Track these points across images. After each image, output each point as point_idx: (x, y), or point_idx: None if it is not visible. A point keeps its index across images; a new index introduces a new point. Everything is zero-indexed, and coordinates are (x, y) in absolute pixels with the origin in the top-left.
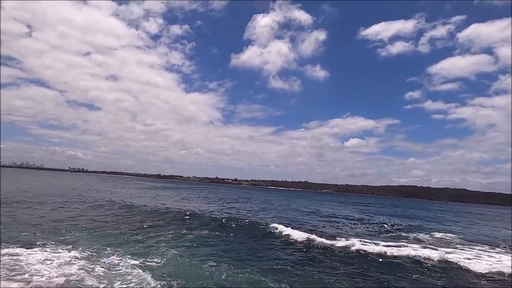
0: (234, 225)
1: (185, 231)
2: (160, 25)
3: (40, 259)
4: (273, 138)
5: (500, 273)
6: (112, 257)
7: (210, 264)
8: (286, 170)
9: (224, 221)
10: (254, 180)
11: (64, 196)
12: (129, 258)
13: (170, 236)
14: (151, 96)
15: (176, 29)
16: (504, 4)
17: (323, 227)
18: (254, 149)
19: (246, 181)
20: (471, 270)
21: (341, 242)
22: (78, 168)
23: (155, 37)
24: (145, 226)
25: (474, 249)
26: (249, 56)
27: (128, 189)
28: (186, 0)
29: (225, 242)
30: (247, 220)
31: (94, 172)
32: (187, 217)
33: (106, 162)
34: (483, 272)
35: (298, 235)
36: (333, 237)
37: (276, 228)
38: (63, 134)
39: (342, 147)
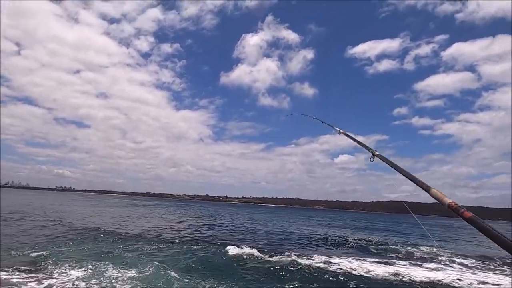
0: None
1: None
2: (151, 43)
3: None
4: (263, 154)
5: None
6: None
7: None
8: (277, 186)
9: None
10: (245, 197)
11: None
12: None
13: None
14: (141, 113)
15: (167, 48)
16: (485, 24)
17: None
18: (245, 166)
19: (237, 198)
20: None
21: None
22: (65, 187)
23: (145, 55)
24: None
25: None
26: (239, 74)
27: (97, 207)
28: (178, 17)
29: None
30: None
31: (82, 191)
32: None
33: (95, 180)
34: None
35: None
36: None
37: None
38: (50, 152)
39: (332, 163)
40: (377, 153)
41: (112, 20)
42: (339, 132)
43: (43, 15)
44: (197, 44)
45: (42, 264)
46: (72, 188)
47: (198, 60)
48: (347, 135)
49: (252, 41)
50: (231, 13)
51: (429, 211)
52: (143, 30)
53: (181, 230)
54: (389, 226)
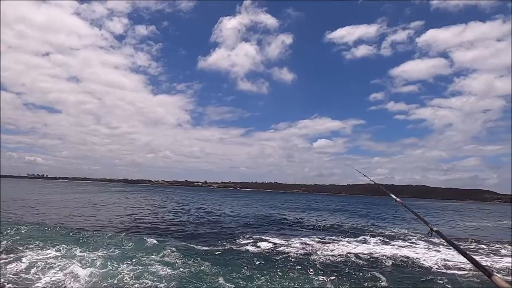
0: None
1: None
2: (125, 25)
3: None
4: (243, 139)
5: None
6: None
7: None
8: (256, 171)
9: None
10: (224, 183)
11: None
12: None
13: None
14: (116, 98)
15: (142, 30)
16: (459, 11)
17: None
18: (224, 151)
19: (216, 183)
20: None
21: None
22: (37, 175)
23: (119, 37)
24: None
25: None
26: (217, 58)
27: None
28: (153, 0)
29: None
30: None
31: (55, 178)
32: None
33: (69, 167)
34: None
35: None
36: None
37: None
38: (20, 138)
39: (310, 147)
40: (435, 229)
41: (82, 1)
42: (396, 201)
43: None
44: (174, 27)
45: None
46: (45, 176)
47: (175, 44)
48: (406, 207)
49: (230, 24)
50: None
51: (402, 193)
52: (116, 11)
53: (125, 217)
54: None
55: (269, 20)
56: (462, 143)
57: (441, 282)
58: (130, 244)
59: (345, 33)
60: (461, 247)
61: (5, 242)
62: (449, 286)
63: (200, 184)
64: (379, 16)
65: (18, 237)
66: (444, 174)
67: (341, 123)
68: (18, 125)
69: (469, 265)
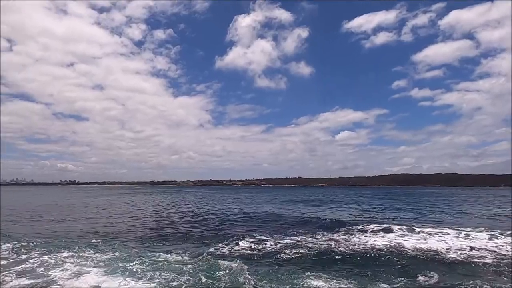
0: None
1: None
2: (143, 31)
3: None
4: (264, 136)
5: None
6: None
7: None
8: (279, 167)
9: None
10: (248, 180)
11: None
12: None
13: None
14: (138, 102)
15: (160, 34)
16: None
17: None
18: (246, 149)
19: (240, 181)
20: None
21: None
22: (69, 181)
23: (139, 43)
24: None
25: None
26: (233, 57)
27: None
28: (169, 3)
29: None
30: None
31: (86, 183)
32: None
33: (98, 172)
34: None
35: None
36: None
37: None
38: (51, 147)
39: (333, 140)
40: None
41: (101, 10)
42: None
43: (31, 8)
44: (190, 29)
45: None
46: (76, 182)
47: (192, 45)
48: None
49: (245, 22)
50: None
51: (431, 182)
52: (134, 17)
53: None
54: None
55: (283, 15)
56: (493, 126)
57: None
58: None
59: (363, 22)
60: None
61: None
62: None
63: (225, 182)
64: (398, 1)
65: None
66: (475, 160)
67: (364, 113)
68: (48, 134)
69: None
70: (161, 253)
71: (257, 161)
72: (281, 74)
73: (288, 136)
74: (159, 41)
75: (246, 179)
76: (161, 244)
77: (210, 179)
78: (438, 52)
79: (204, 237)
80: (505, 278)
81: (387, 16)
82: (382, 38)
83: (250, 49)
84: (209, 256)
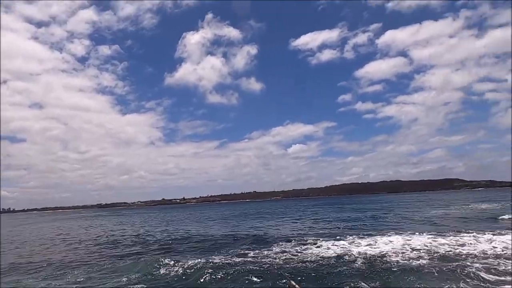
0: None
1: None
2: (87, 47)
3: None
4: (218, 152)
5: None
6: None
7: None
8: (234, 182)
9: None
10: (203, 197)
11: None
12: None
13: None
14: (83, 121)
15: (105, 50)
16: (412, 11)
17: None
18: (200, 165)
19: (194, 198)
20: None
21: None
22: (3, 209)
23: (82, 59)
24: None
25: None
26: (183, 74)
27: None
28: (115, 18)
29: None
30: None
31: (23, 210)
32: None
33: (37, 198)
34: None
35: None
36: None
37: None
38: None
39: (285, 154)
40: None
41: (40, 24)
42: None
43: None
44: (138, 45)
45: None
46: (11, 209)
47: (140, 61)
48: None
49: (194, 39)
50: (171, 11)
51: (377, 189)
52: (77, 33)
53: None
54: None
55: (232, 32)
56: (428, 135)
57: None
58: None
59: (309, 39)
60: None
61: None
62: None
63: (178, 201)
64: (339, 21)
65: None
66: (414, 167)
67: (313, 127)
68: None
69: None
70: None
71: (212, 177)
72: (232, 90)
73: (242, 151)
74: (105, 57)
75: (200, 197)
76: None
77: (163, 199)
78: (377, 68)
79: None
80: (445, 277)
81: (330, 35)
82: (326, 55)
83: (200, 65)
84: None
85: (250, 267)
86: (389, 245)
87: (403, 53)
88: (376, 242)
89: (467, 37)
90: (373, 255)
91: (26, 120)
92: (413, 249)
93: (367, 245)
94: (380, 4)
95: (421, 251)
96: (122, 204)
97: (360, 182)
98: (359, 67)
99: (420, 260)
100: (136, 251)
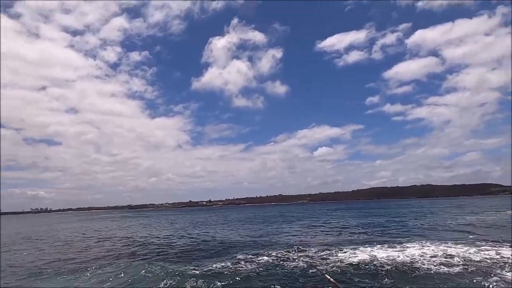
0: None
1: None
2: (118, 53)
3: None
4: (243, 155)
5: None
6: None
7: None
8: (260, 185)
9: None
10: (229, 200)
11: None
12: None
13: None
14: (114, 125)
15: (135, 56)
16: (444, 10)
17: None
18: (226, 168)
19: (221, 201)
20: None
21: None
22: (41, 209)
23: (114, 66)
24: None
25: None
26: (210, 78)
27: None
28: (144, 25)
29: None
30: None
31: (59, 210)
32: None
33: (72, 198)
34: None
35: None
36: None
37: None
38: (21, 174)
39: (311, 157)
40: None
41: (75, 32)
42: None
43: (1, 32)
44: (166, 50)
45: None
46: (48, 209)
47: (168, 67)
48: None
49: (220, 44)
50: (198, 17)
51: (407, 194)
52: (109, 40)
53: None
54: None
55: (257, 36)
56: (462, 138)
57: None
58: None
59: (336, 41)
60: None
61: None
62: None
63: (205, 203)
64: (367, 22)
65: None
66: (447, 171)
67: (340, 129)
68: (18, 161)
69: None
70: None
71: (238, 180)
72: (257, 94)
73: (268, 154)
74: (135, 63)
75: (226, 199)
76: None
77: (190, 201)
78: (407, 69)
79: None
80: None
81: (357, 36)
82: (354, 56)
83: (226, 69)
84: None
85: (278, 270)
86: (419, 252)
87: (435, 53)
88: (404, 249)
89: (504, 35)
90: (402, 262)
91: (62, 124)
92: (445, 258)
93: (395, 252)
94: (409, 4)
95: (454, 260)
96: (151, 205)
97: (389, 186)
98: (387, 68)
99: (452, 269)
100: (161, 252)
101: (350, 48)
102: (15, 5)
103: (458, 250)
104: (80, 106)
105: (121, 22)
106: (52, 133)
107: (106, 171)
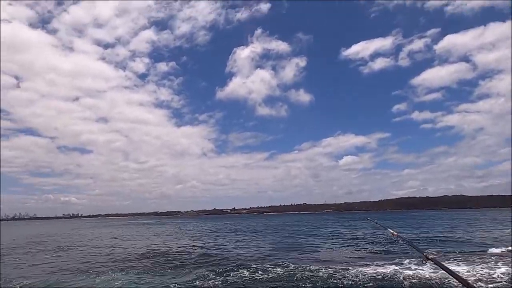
0: None
1: None
2: (146, 64)
3: None
4: (267, 163)
5: None
6: None
7: None
8: (284, 194)
9: None
10: (253, 208)
11: None
12: None
13: None
14: (142, 133)
15: (163, 66)
16: (475, 14)
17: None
18: (250, 176)
19: (245, 209)
20: None
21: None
22: (72, 214)
23: (142, 76)
24: None
25: None
26: (234, 87)
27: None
28: (172, 36)
29: None
30: None
31: (89, 216)
32: None
33: (101, 205)
34: None
35: None
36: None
37: None
38: (55, 180)
39: (336, 165)
40: (430, 256)
41: (106, 45)
42: (392, 235)
43: (39, 47)
44: (192, 61)
45: None
46: (79, 215)
47: (194, 76)
48: (400, 237)
49: (243, 54)
50: (223, 28)
51: (437, 204)
52: (138, 51)
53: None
54: None
55: (280, 46)
56: (497, 146)
57: None
58: None
59: (360, 49)
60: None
61: None
62: None
63: (229, 211)
64: (393, 28)
65: None
66: (481, 181)
67: (365, 138)
68: (52, 168)
69: None
70: None
71: (262, 188)
72: (281, 102)
73: (292, 162)
74: (162, 73)
75: (250, 207)
76: None
77: (214, 208)
78: (436, 76)
79: None
80: None
81: (383, 43)
82: (380, 63)
83: (249, 79)
84: None
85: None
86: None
87: (465, 58)
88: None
89: None
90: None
91: (93, 133)
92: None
93: (423, 269)
94: (438, 9)
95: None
96: (177, 212)
97: (418, 196)
98: (415, 75)
99: None
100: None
101: (375, 55)
102: (52, 21)
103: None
104: (110, 115)
105: (149, 34)
106: (84, 142)
107: (133, 178)
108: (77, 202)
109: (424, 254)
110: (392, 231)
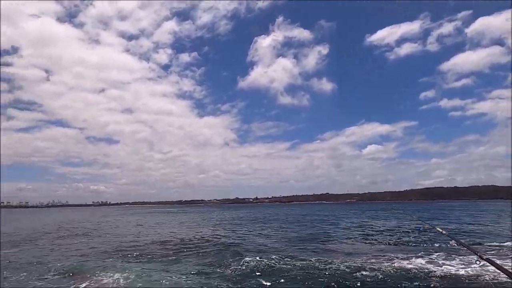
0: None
1: None
2: (169, 55)
3: None
4: (289, 153)
5: None
6: None
7: None
8: (306, 183)
9: None
10: (275, 197)
11: None
12: None
13: None
14: (166, 124)
15: (185, 57)
16: None
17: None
18: (272, 166)
19: (267, 198)
20: None
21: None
22: (101, 202)
23: (165, 67)
24: None
25: None
26: (256, 76)
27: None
28: (193, 27)
29: None
30: None
31: (117, 204)
32: None
33: (128, 193)
34: None
35: None
36: None
37: None
38: (84, 170)
39: (360, 155)
40: (485, 257)
41: (130, 37)
42: (441, 233)
43: (66, 40)
44: (214, 51)
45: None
46: (108, 202)
47: (216, 66)
48: (451, 237)
49: (265, 43)
50: (244, 16)
51: (466, 195)
52: (161, 43)
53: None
54: None
55: (302, 33)
56: None
57: None
58: None
59: (386, 34)
60: None
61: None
62: None
63: (251, 200)
64: (421, 12)
65: None
66: None
67: (390, 126)
68: (82, 158)
69: None
70: None
71: (284, 178)
72: (303, 91)
73: (314, 152)
74: (185, 64)
75: (273, 197)
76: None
77: (237, 197)
78: (467, 60)
79: None
80: None
81: (410, 27)
82: (406, 49)
83: (271, 68)
84: None
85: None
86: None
87: (499, 41)
88: (465, 262)
89: None
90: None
91: (119, 124)
92: None
93: (453, 264)
94: None
95: None
96: (200, 201)
97: (445, 186)
98: (444, 60)
99: None
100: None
101: (402, 40)
102: (79, 15)
103: None
104: (135, 106)
105: (171, 25)
106: (110, 132)
107: (158, 168)
108: (105, 190)
109: (478, 254)
110: (440, 230)
